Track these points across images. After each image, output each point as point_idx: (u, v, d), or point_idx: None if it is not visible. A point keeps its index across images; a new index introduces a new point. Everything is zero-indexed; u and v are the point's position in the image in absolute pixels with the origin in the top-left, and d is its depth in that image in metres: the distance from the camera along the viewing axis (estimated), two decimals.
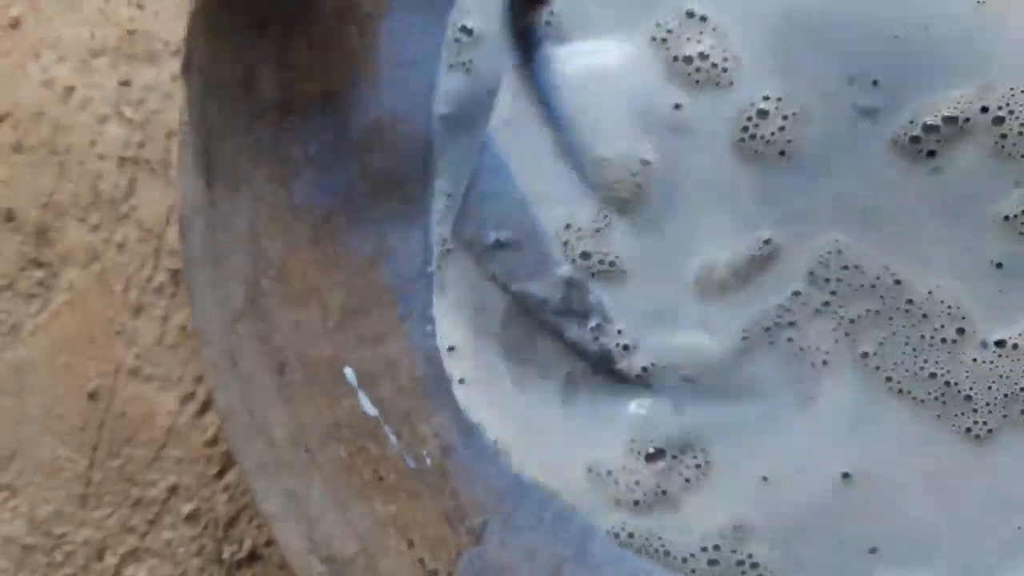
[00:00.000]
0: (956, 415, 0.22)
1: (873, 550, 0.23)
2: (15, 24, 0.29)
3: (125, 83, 0.29)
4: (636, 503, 0.24)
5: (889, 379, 0.23)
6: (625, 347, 0.24)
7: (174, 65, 0.28)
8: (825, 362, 0.23)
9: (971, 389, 0.22)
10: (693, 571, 0.23)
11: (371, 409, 0.23)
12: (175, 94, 0.28)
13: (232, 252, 0.23)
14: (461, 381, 0.24)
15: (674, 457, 0.23)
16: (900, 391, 0.23)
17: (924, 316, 0.22)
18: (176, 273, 0.28)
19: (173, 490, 0.28)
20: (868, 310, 0.23)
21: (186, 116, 0.22)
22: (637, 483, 0.24)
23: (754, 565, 0.23)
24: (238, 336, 0.22)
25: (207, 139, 0.22)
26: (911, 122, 0.22)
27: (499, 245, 0.24)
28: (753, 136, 0.23)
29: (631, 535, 0.24)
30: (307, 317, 0.23)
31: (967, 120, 0.22)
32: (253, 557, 0.27)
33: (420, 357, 0.24)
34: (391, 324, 0.24)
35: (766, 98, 0.23)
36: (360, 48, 0.24)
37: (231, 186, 0.22)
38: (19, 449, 0.28)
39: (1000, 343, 0.22)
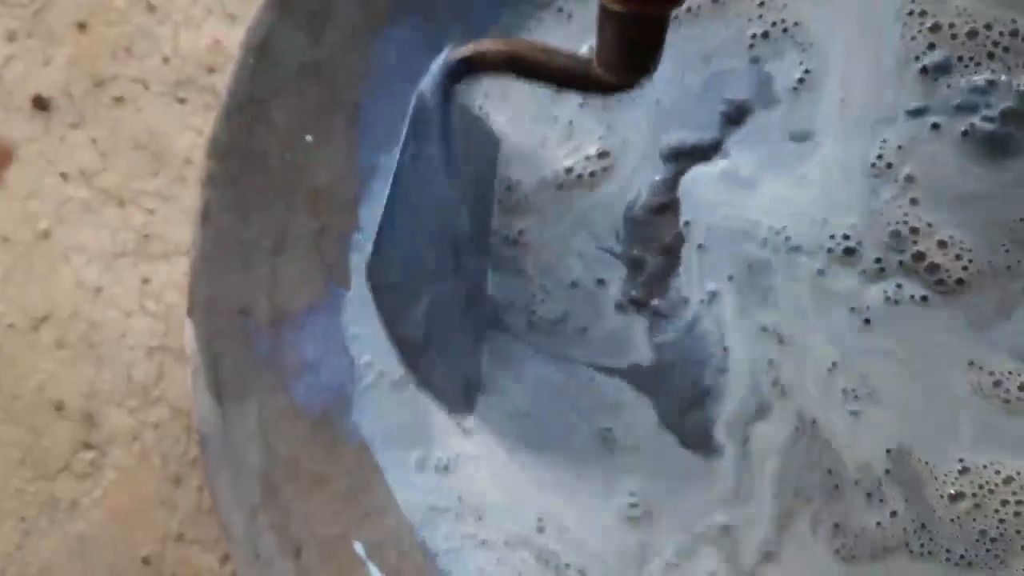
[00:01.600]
0: None
1: None
2: (46, 235, 0.33)
3: (146, 280, 0.32)
4: None
5: None
6: None
7: (185, 262, 0.32)
8: None
9: None
10: None
11: None
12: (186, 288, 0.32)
13: (246, 454, 0.26)
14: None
15: None
16: None
17: None
18: None
19: None
20: None
21: (194, 346, 0.26)
22: None
23: None
24: (258, 528, 0.26)
25: (214, 362, 0.26)
26: None
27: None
28: None
29: None
30: (317, 503, 0.27)
31: None
32: None
33: (417, 524, 0.27)
34: (388, 498, 0.27)
35: None
36: (336, 263, 0.27)
37: (239, 398, 0.26)
38: None
39: None
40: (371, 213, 0.28)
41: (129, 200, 0.33)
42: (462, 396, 0.27)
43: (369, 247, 0.25)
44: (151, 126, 0.32)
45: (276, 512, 0.26)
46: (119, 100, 0.33)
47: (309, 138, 0.26)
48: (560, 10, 0.28)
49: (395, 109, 0.26)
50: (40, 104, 0.33)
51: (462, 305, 0.27)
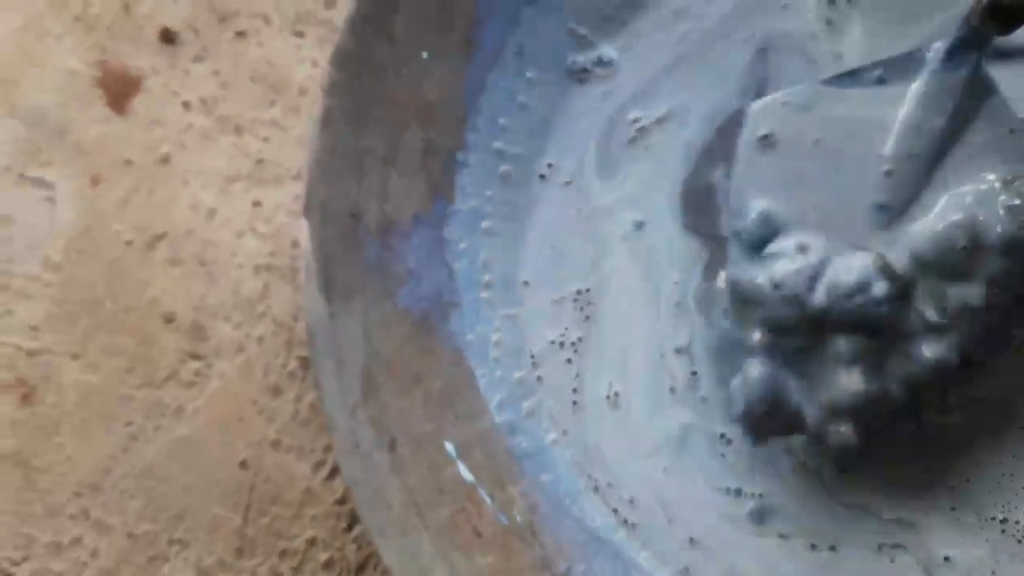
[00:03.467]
0: None
1: None
2: (166, 159, 0.35)
3: (257, 204, 0.34)
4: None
5: None
6: None
7: (295, 187, 0.34)
8: None
9: None
10: None
11: (468, 476, 0.28)
12: (297, 211, 0.34)
13: (350, 352, 0.28)
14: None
15: None
16: None
17: None
18: (305, 360, 0.33)
19: (312, 542, 0.33)
20: None
21: (308, 246, 0.27)
22: None
23: None
24: (358, 421, 0.27)
25: (325, 263, 0.27)
26: None
27: None
28: None
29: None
30: (412, 402, 0.28)
31: None
32: None
33: (506, 429, 0.29)
34: (480, 404, 0.29)
35: None
36: (442, 178, 0.29)
37: (346, 299, 0.28)
38: (186, 510, 0.34)
39: None
40: (476, 131, 0.29)
41: (246, 128, 0.35)
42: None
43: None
44: (270, 59, 0.35)
45: (375, 407, 0.28)
46: (241, 34, 0.35)
47: (424, 54, 0.28)
48: None
49: (506, 29, 0.27)
50: (167, 38, 0.35)
51: None
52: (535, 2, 0.28)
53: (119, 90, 0.36)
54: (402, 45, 0.27)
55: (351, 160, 0.27)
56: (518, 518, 0.28)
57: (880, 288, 0.24)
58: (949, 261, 0.24)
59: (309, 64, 0.34)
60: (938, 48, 0.25)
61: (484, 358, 0.29)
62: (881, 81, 0.26)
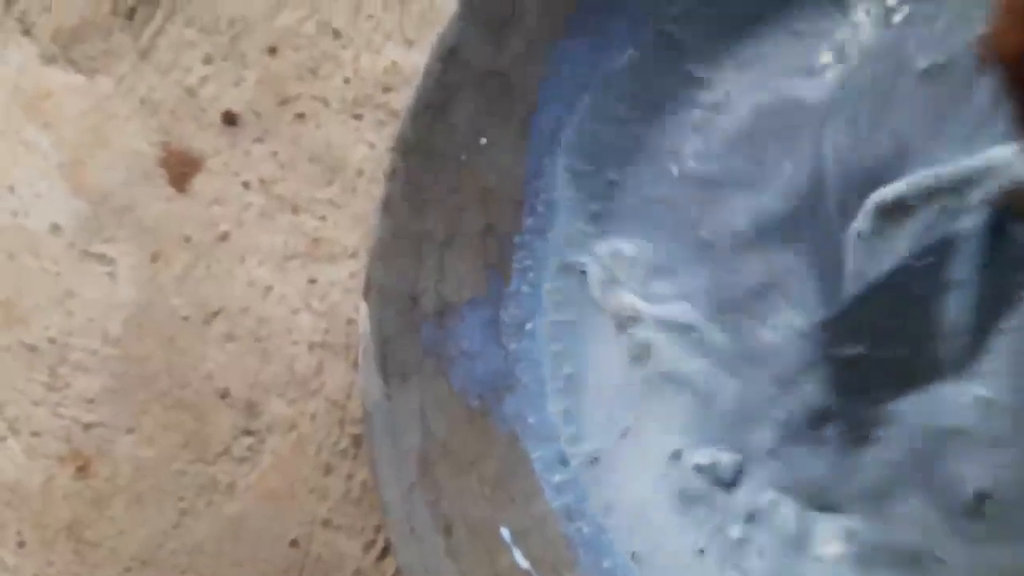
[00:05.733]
0: None
1: None
2: (224, 237, 0.36)
3: (312, 281, 0.35)
4: None
5: None
6: None
7: (351, 265, 0.34)
8: None
9: None
10: None
11: (523, 563, 0.28)
12: (353, 289, 0.34)
13: (406, 432, 0.28)
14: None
15: None
16: None
17: None
18: (357, 438, 0.33)
19: None
20: None
21: (367, 328, 0.28)
22: None
23: None
24: (412, 503, 0.27)
25: (383, 344, 0.28)
26: None
27: None
28: None
29: None
30: (467, 484, 0.28)
31: None
32: None
33: (562, 514, 0.28)
34: (535, 487, 0.28)
35: None
36: (499, 260, 0.29)
37: (403, 380, 0.28)
38: None
39: None
40: (533, 215, 0.30)
41: (303, 207, 0.35)
42: None
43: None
44: (328, 140, 0.35)
45: (430, 490, 0.27)
46: (300, 116, 0.36)
47: (484, 140, 0.28)
48: None
49: (563, 116, 0.28)
50: (229, 120, 0.36)
51: None
52: (590, 87, 0.28)
53: (181, 169, 0.37)
54: (462, 132, 0.28)
55: (410, 243, 0.28)
56: None
57: None
58: None
59: (366, 146, 0.35)
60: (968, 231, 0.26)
61: (541, 442, 0.29)
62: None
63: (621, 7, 0.28)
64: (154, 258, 0.36)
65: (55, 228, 0.37)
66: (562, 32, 0.28)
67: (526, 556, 0.28)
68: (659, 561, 0.28)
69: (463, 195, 0.29)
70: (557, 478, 0.29)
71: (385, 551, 0.33)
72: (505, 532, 0.28)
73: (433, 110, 0.28)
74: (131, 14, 0.37)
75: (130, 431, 0.35)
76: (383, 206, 0.27)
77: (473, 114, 0.28)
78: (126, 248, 0.37)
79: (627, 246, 0.30)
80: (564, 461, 0.29)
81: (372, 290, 0.28)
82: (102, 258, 0.37)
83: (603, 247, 0.30)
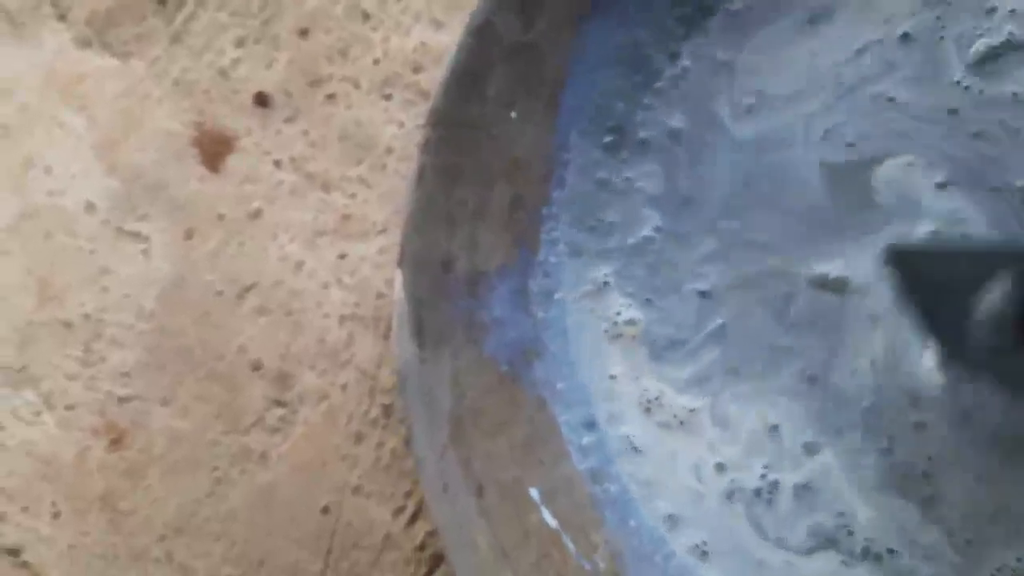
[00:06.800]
0: None
1: None
2: (257, 214, 0.37)
3: (342, 256, 0.36)
4: None
5: None
6: None
7: (380, 241, 0.35)
8: None
9: None
10: None
11: (552, 521, 0.29)
12: (382, 264, 0.35)
13: (439, 396, 0.29)
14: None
15: None
16: None
17: None
18: (388, 407, 0.34)
19: None
20: None
21: (402, 295, 0.28)
22: None
23: None
24: (446, 463, 0.28)
25: (418, 311, 0.28)
26: None
27: None
28: None
29: None
30: (498, 447, 0.29)
31: None
32: None
33: (588, 476, 0.29)
34: (563, 450, 0.29)
35: None
36: (527, 230, 0.30)
37: (436, 345, 0.29)
38: (268, 554, 0.35)
39: None
40: (560, 187, 0.31)
41: (333, 185, 0.36)
42: None
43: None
44: (358, 120, 0.36)
45: (463, 450, 0.28)
46: (331, 97, 0.37)
47: (513, 114, 0.29)
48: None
49: (590, 92, 0.29)
50: (261, 101, 0.37)
51: None
52: (613, 59, 0.29)
53: (214, 149, 0.38)
54: (493, 105, 0.29)
55: (443, 213, 0.29)
56: (601, 564, 0.28)
57: None
58: None
59: (395, 125, 0.36)
60: None
61: (569, 406, 0.30)
62: None
63: None
64: (188, 235, 0.37)
65: (90, 207, 0.38)
66: (588, 8, 0.29)
67: (554, 516, 0.28)
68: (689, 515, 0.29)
69: (494, 167, 0.30)
70: (584, 440, 0.30)
71: (415, 516, 0.34)
72: (534, 492, 0.29)
73: (466, 83, 0.29)
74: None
75: (164, 403, 0.37)
76: (417, 177, 0.28)
77: (504, 88, 0.29)
78: (160, 225, 0.38)
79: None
80: (590, 425, 0.30)
81: (407, 258, 0.28)
82: (136, 236, 0.38)
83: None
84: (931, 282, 0.26)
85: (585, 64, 0.30)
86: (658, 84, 0.30)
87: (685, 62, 0.30)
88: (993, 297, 0.24)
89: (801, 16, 0.30)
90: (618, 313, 0.31)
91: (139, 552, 0.36)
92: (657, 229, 0.31)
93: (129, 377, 0.37)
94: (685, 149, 0.31)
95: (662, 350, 0.31)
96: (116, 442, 0.37)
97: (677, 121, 0.31)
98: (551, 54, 0.29)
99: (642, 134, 0.31)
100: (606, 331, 0.31)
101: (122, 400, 0.37)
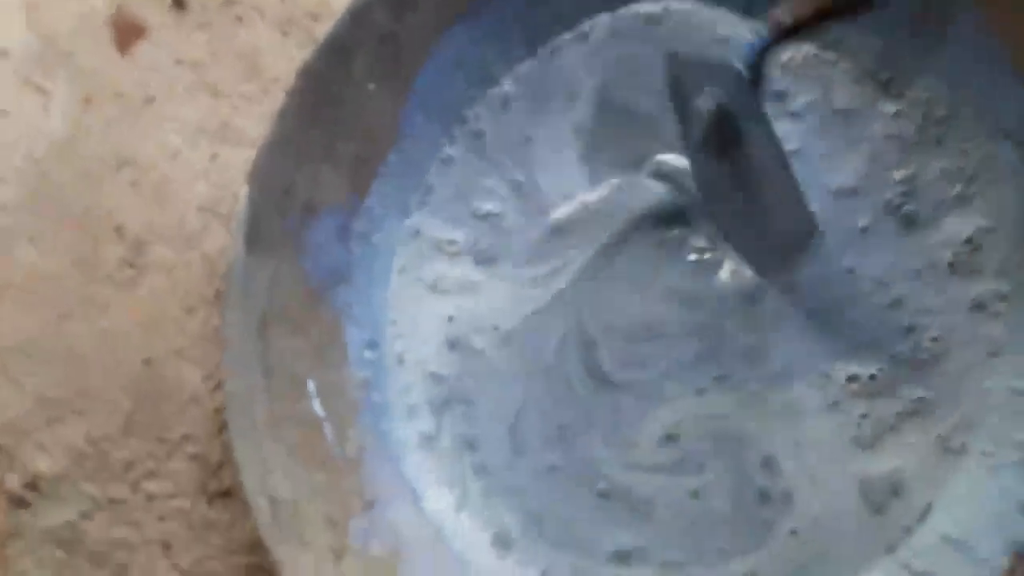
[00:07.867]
0: None
1: None
2: (150, 101, 0.43)
3: (214, 157, 0.42)
4: None
5: None
6: None
7: (249, 152, 0.41)
8: None
9: None
10: None
11: (320, 411, 0.36)
12: (245, 172, 0.41)
13: (255, 293, 0.35)
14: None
15: None
16: None
17: None
18: (220, 292, 0.41)
19: (186, 437, 0.40)
20: None
21: (245, 204, 0.35)
22: None
23: None
24: (247, 347, 0.35)
25: (255, 220, 0.35)
26: None
27: None
28: None
29: None
30: (293, 344, 0.36)
31: None
32: (228, 493, 0.39)
33: (358, 383, 0.37)
34: (345, 358, 0.37)
35: None
36: (362, 181, 0.36)
37: (263, 252, 0.35)
38: (90, 389, 0.41)
39: None
40: (397, 152, 0.37)
41: (222, 94, 0.42)
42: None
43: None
44: (256, 45, 0.42)
45: (264, 341, 0.35)
46: (239, 19, 0.42)
47: (372, 86, 0.36)
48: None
49: (444, 86, 0.36)
50: (179, 3, 0.43)
51: None
52: (464, 65, 0.36)
53: (127, 34, 0.43)
54: (355, 76, 0.35)
55: (294, 150, 0.35)
56: (348, 452, 0.36)
57: None
58: None
59: (286, 60, 0.42)
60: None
61: (359, 327, 0.37)
62: None
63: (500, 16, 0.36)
64: (86, 102, 0.42)
65: (4, 52, 0.43)
66: (453, 21, 0.35)
67: (322, 407, 0.36)
68: None
69: (347, 124, 0.36)
70: (366, 355, 0.37)
71: (220, 385, 0.40)
72: (311, 384, 0.36)
73: (337, 50, 0.35)
74: None
75: (31, 241, 0.42)
76: (279, 115, 0.35)
77: (368, 63, 0.35)
78: (63, 88, 0.43)
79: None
80: (373, 345, 0.37)
81: (255, 177, 0.35)
82: (40, 90, 0.43)
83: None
84: (682, 83, 0.34)
85: (439, 62, 0.36)
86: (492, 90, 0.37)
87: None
88: (703, 99, 0.32)
89: None
90: (422, 265, 0.38)
91: None
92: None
93: (5, 210, 0.42)
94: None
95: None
96: None
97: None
98: (412, 47, 0.36)
99: (474, 126, 0.38)
100: (402, 271, 0.38)
101: None
